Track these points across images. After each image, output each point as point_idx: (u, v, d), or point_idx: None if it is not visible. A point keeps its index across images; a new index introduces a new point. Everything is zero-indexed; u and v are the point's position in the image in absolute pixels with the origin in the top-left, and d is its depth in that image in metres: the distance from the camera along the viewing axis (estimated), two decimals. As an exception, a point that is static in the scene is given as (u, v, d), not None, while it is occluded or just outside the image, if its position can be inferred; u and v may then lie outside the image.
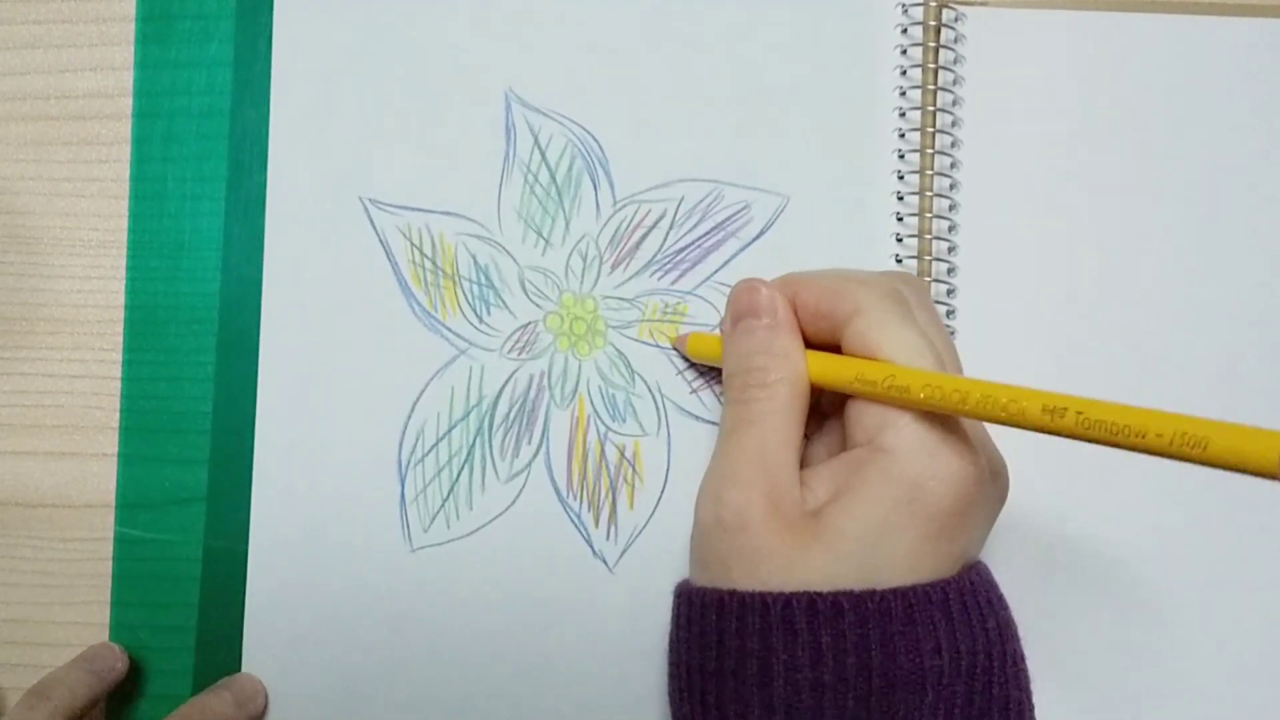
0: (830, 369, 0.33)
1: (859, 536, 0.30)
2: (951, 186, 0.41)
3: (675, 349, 0.41)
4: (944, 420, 0.31)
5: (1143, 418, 0.25)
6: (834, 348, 0.33)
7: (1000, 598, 0.32)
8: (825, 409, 0.36)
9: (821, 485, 0.32)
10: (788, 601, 0.29)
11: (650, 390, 0.41)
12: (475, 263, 0.41)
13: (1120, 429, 0.26)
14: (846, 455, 0.32)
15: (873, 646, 0.29)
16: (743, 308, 0.34)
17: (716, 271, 0.41)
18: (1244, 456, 0.24)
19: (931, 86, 0.41)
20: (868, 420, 0.31)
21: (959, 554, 0.31)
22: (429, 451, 0.40)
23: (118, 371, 0.41)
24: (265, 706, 0.40)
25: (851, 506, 0.30)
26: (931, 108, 0.41)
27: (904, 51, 0.42)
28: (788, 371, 0.33)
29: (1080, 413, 0.26)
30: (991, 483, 0.32)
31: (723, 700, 0.30)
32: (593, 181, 0.41)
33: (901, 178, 0.41)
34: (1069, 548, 0.41)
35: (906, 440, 0.30)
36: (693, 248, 0.41)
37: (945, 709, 0.29)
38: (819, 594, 0.29)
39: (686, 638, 0.32)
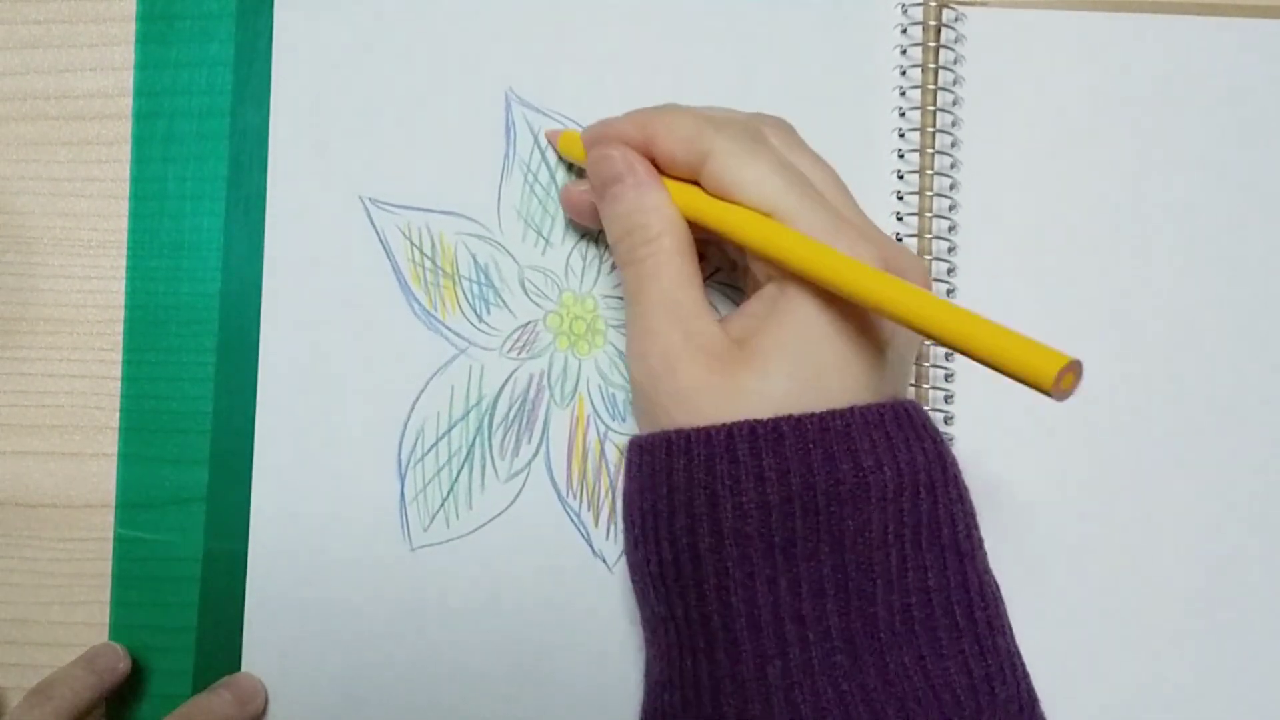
0: (702, 211, 0.33)
1: (790, 354, 0.31)
2: (951, 186, 0.41)
3: (549, 142, 0.41)
4: (852, 235, 0.31)
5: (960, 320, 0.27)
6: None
7: (935, 428, 0.33)
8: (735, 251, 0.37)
9: (744, 321, 0.33)
10: (729, 431, 0.30)
11: (650, 390, 0.40)
12: (475, 262, 0.41)
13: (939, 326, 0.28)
14: (762, 292, 0.33)
15: (815, 464, 0.30)
16: (605, 176, 0.35)
17: (716, 270, 0.41)
18: (1028, 368, 0.26)
19: (931, 86, 0.41)
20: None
21: (883, 354, 0.32)
22: (429, 451, 0.40)
23: (118, 372, 0.41)
24: (265, 706, 0.40)
25: (777, 328, 0.31)
26: (931, 108, 0.41)
27: (904, 51, 0.42)
28: (666, 222, 0.33)
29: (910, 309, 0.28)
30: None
31: (675, 535, 0.31)
32: (593, 181, 0.41)
33: (901, 177, 0.41)
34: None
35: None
36: (692, 247, 0.41)
37: (894, 523, 0.30)
38: (759, 421, 0.30)
39: (638, 484, 0.33)
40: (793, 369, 0.31)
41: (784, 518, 0.30)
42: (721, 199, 0.33)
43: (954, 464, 0.33)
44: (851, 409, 0.30)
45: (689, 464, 0.30)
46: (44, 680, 0.37)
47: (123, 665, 0.39)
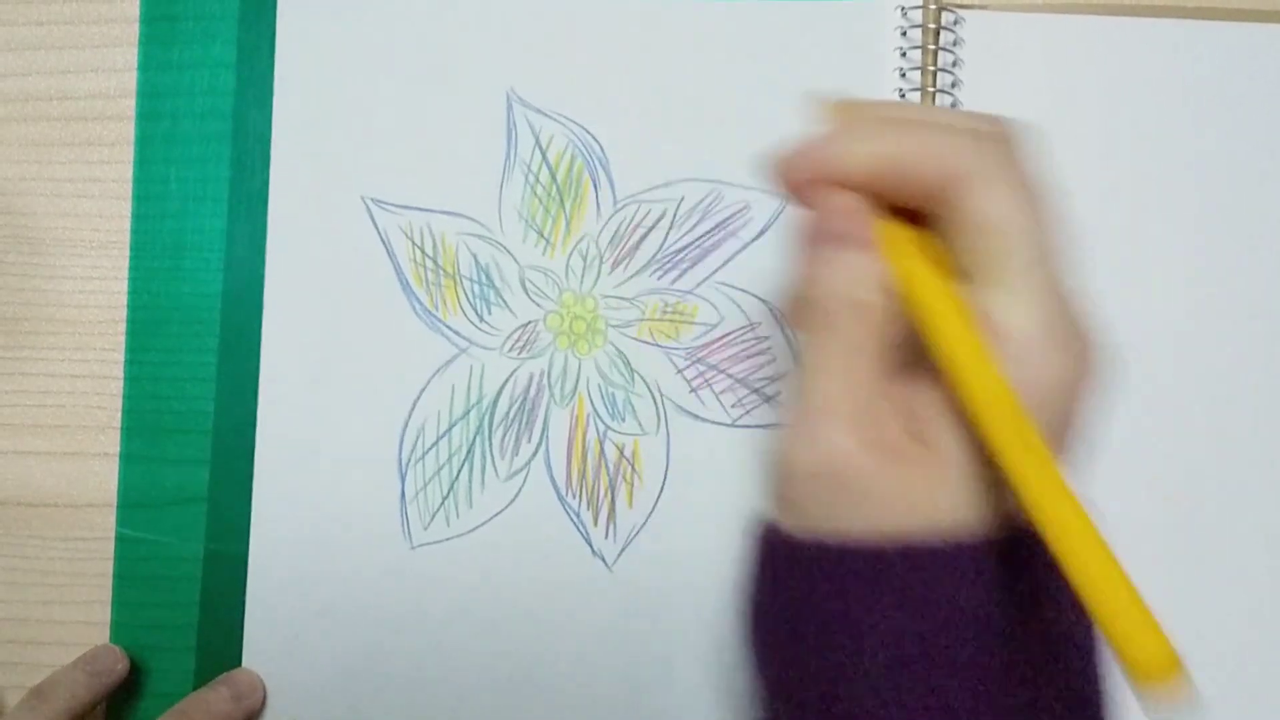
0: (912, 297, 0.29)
1: (970, 457, 0.28)
2: (950, 187, 0.41)
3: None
4: (1046, 318, 0.28)
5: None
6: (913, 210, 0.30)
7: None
8: None
9: (923, 406, 0.29)
10: (882, 552, 0.27)
11: (649, 389, 0.41)
12: (476, 262, 0.41)
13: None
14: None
15: (964, 595, 0.27)
16: (821, 231, 0.30)
17: (716, 271, 0.41)
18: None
19: (930, 89, 0.41)
20: (988, 304, 0.28)
21: (1068, 448, 0.29)
22: (429, 449, 0.40)
23: (120, 371, 0.41)
24: (264, 701, 0.40)
25: (958, 428, 0.28)
26: (930, 109, 0.41)
27: (903, 54, 0.42)
28: (876, 297, 0.29)
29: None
30: (1096, 370, 0.30)
31: (805, 646, 0.28)
32: (593, 181, 0.41)
33: (900, 178, 0.41)
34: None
35: (1030, 337, 0.28)
36: (693, 247, 0.41)
37: (1020, 659, 0.28)
38: (912, 545, 0.27)
39: (773, 590, 0.29)
40: (978, 469, 0.28)
41: (926, 647, 0.27)
42: (961, 230, 0.28)
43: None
44: (1017, 534, 0.28)
45: (834, 578, 0.28)
46: (43, 681, 0.37)
47: (121, 666, 0.39)
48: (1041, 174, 0.30)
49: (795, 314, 0.32)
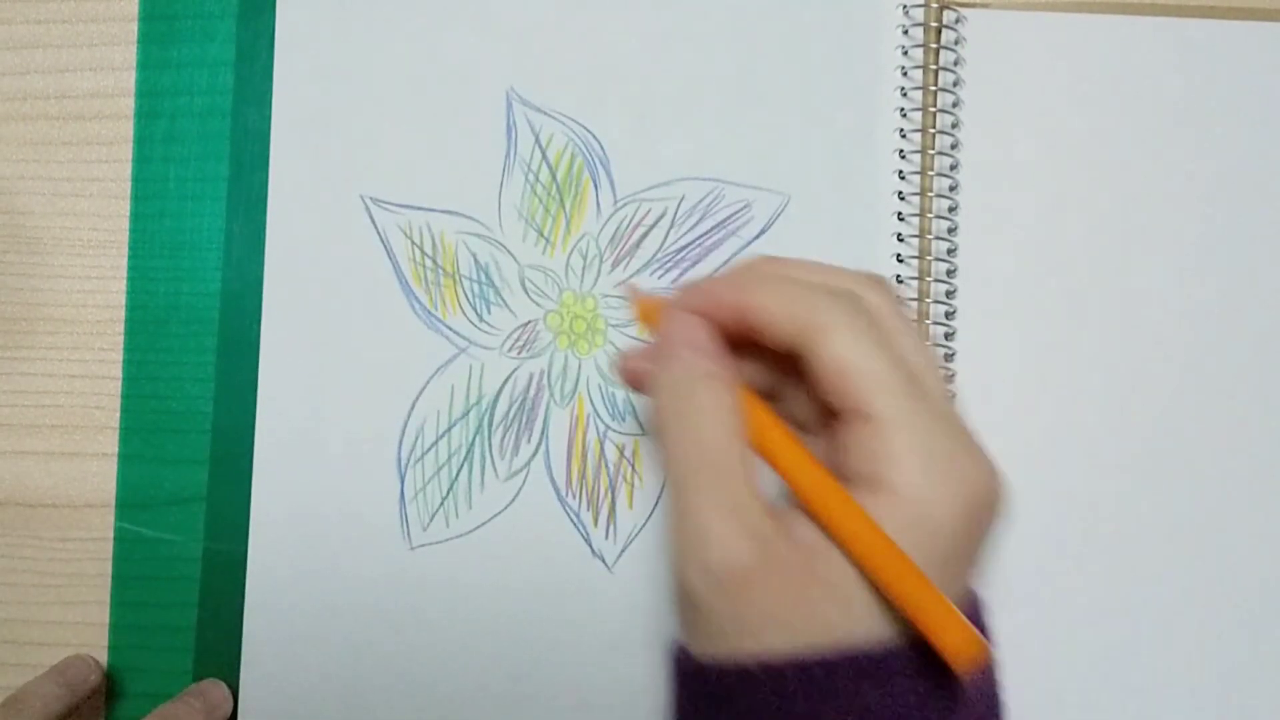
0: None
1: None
2: (952, 187, 0.41)
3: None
4: (947, 438, 0.28)
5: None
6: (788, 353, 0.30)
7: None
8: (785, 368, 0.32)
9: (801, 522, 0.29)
10: (788, 671, 0.27)
11: (650, 389, 0.41)
12: (476, 261, 0.41)
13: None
14: None
15: (893, 708, 0.27)
16: (676, 344, 0.30)
17: (717, 270, 0.41)
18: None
19: (932, 87, 0.41)
20: (864, 449, 0.28)
21: (967, 574, 0.29)
22: (429, 450, 0.40)
23: (118, 371, 0.41)
24: (233, 712, 0.39)
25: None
26: (932, 108, 0.41)
27: (905, 52, 0.42)
28: (733, 421, 0.29)
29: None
30: (997, 499, 0.29)
31: None
32: (593, 180, 0.41)
33: (903, 177, 0.41)
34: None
35: (909, 474, 0.27)
36: (693, 246, 0.41)
37: None
38: (821, 662, 0.27)
39: (691, 713, 0.29)
40: (869, 593, 0.27)
41: None
42: (820, 377, 0.29)
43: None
44: (914, 644, 0.27)
45: (742, 703, 0.27)
46: (15, 693, 0.37)
47: (94, 677, 0.39)
48: (905, 322, 0.31)
49: (657, 437, 0.31)
